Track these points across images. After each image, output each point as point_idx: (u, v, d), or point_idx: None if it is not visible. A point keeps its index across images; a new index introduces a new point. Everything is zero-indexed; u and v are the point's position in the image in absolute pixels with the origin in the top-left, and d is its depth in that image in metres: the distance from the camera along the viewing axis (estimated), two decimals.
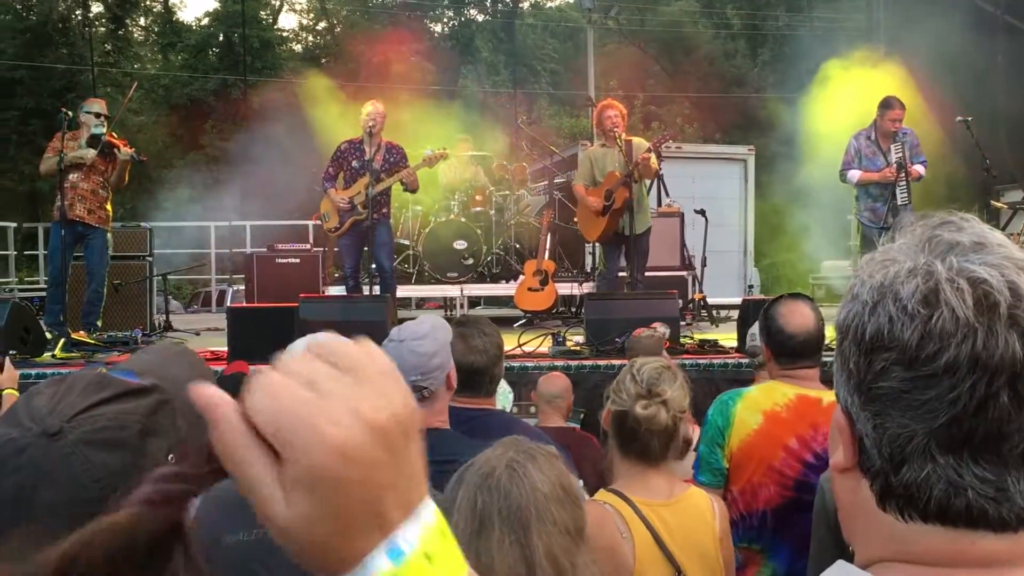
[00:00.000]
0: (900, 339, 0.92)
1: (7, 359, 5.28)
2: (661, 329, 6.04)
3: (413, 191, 9.87)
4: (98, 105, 9.33)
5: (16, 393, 5.22)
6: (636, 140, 9.47)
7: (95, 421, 1.20)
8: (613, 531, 2.83)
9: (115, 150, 8.98)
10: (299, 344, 2.64)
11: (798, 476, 3.39)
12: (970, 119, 9.51)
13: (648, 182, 10.21)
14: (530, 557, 1.87)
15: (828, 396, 3.49)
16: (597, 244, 9.96)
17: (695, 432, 3.65)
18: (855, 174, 9.32)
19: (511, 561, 1.87)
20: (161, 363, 1.42)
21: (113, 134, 9.30)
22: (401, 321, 3.35)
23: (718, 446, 3.52)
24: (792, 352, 3.57)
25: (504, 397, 4.01)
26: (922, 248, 0.95)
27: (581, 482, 2.16)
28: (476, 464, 2.02)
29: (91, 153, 8.85)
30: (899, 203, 9.02)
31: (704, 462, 3.54)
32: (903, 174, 9.06)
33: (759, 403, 3.50)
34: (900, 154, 9.08)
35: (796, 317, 3.55)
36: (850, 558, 1.03)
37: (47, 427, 1.19)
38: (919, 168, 9.21)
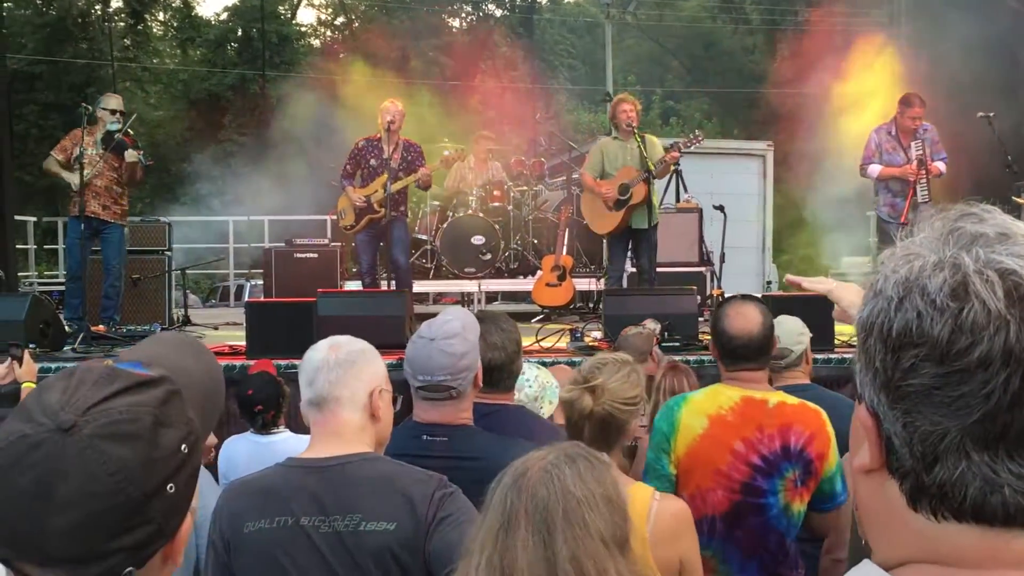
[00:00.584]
0: (930, 334, 0.89)
1: (27, 352, 5.30)
2: (651, 326, 6.02)
3: (426, 189, 9.93)
4: (115, 101, 9.36)
5: (34, 386, 5.24)
6: (650, 137, 9.50)
7: (108, 415, 1.20)
8: None
9: (124, 151, 8.99)
10: (321, 345, 2.65)
11: (745, 479, 3.37)
12: (992, 115, 9.45)
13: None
14: (552, 559, 1.85)
15: (774, 397, 3.49)
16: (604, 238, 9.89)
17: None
18: (875, 169, 9.31)
19: (533, 561, 1.85)
20: (167, 353, 1.43)
21: (129, 132, 9.32)
22: (418, 317, 3.35)
23: (664, 452, 3.48)
24: (734, 354, 3.53)
25: (551, 391, 3.99)
26: (945, 241, 0.93)
27: None
28: (514, 464, 2.01)
29: (75, 179, 8.81)
30: (919, 200, 8.99)
31: (651, 468, 3.50)
32: (923, 171, 9.03)
33: (704, 407, 3.47)
34: (920, 151, 9.05)
35: (739, 320, 3.52)
36: None
37: (61, 422, 1.19)
38: (939, 165, 9.19)
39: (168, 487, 1.23)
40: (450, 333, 3.01)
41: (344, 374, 2.62)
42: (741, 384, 3.48)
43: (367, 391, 2.64)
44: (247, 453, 4.57)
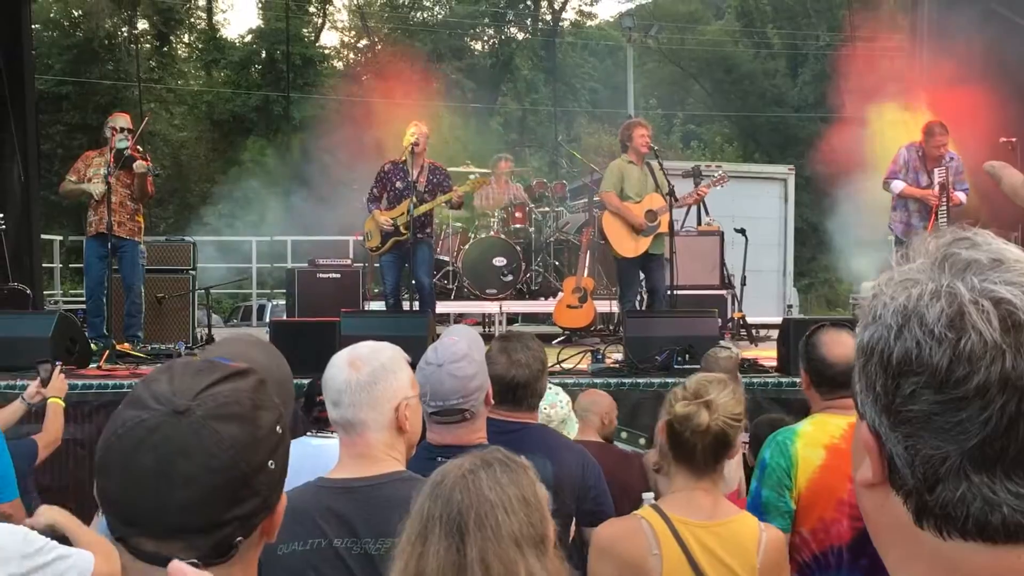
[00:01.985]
0: (929, 363, 0.92)
1: (57, 368, 5.35)
2: (734, 348, 6.01)
3: (457, 208, 9.99)
4: (123, 119, 9.47)
5: (61, 402, 5.29)
6: (655, 163, 9.52)
7: (216, 398, 1.35)
8: (642, 545, 2.82)
9: (132, 164, 9.08)
10: (341, 355, 2.67)
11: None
12: (1014, 140, 9.44)
13: None
14: (462, 563, 1.89)
15: None
16: (617, 262, 9.82)
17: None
18: (899, 185, 9.32)
19: (444, 566, 1.89)
20: (244, 350, 1.59)
21: (138, 148, 9.42)
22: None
23: (786, 488, 3.42)
24: (834, 381, 3.51)
25: (571, 423, 4.03)
26: (940, 267, 0.96)
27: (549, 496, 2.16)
28: (433, 473, 2.06)
29: (99, 188, 8.97)
30: (941, 226, 9.00)
31: (772, 507, 3.45)
32: (944, 198, 9.05)
33: (818, 438, 3.43)
34: (943, 177, 9.07)
35: (838, 347, 3.50)
36: None
37: (175, 406, 1.33)
38: (960, 195, 9.20)
39: (269, 463, 1.38)
40: (458, 356, 3.01)
41: (368, 396, 2.59)
42: (843, 411, 3.43)
43: (392, 408, 2.62)
44: (300, 455, 4.47)
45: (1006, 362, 0.89)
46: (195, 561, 1.31)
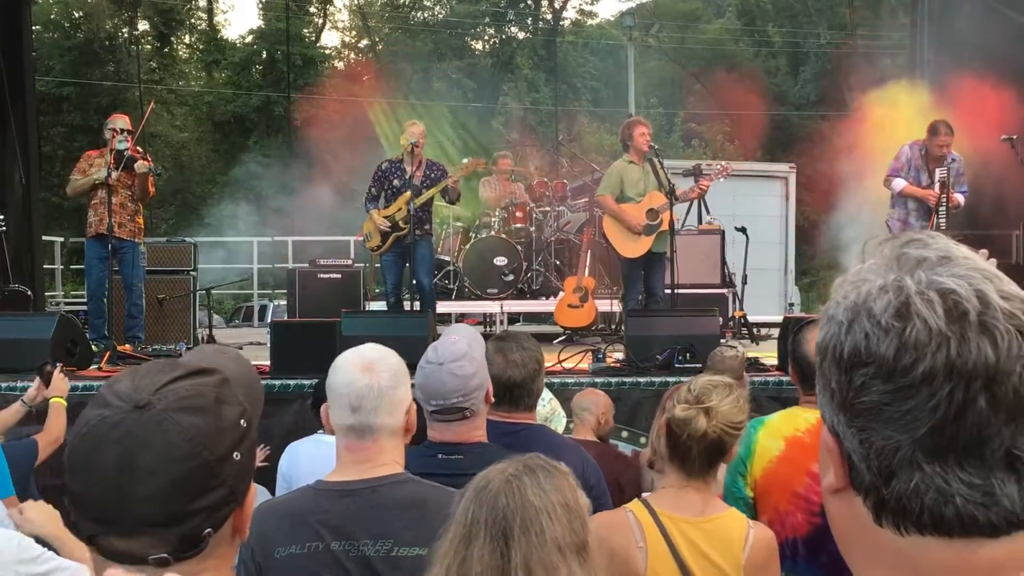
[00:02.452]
0: (877, 353, 0.94)
1: (57, 369, 5.37)
2: (741, 349, 6.00)
3: (454, 201, 9.94)
4: (121, 120, 9.47)
5: (64, 401, 5.31)
6: (656, 161, 9.51)
7: (177, 392, 1.37)
8: (627, 538, 2.83)
9: (134, 164, 9.09)
10: (350, 360, 2.66)
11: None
12: (1015, 137, 9.44)
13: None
14: (505, 567, 1.90)
15: None
16: (621, 261, 9.82)
17: None
18: (900, 183, 9.34)
19: (487, 571, 1.90)
20: (210, 357, 1.59)
21: (138, 148, 9.42)
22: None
23: (740, 475, 3.45)
24: (813, 377, 3.49)
25: (558, 420, 4.03)
26: (891, 266, 0.98)
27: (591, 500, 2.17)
28: (477, 476, 2.06)
29: (102, 174, 9.00)
30: (941, 226, 9.04)
31: (728, 492, 3.47)
32: (944, 197, 9.07)
33: (780, 429, 3.44)
34: (944, 176, 9.08)
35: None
36: None
37: (136, 401, 1.35)
38: (959, 197, 9.22)
39: (235, 454, 1.39)
40: (458, 355, 3.00)
41: (388, 402, 2.57)
42: (816, 407, 3.42)
43: (404, 412, 2.63)
44: (313, 453, 4.49)
45: (951, 349, 0.91)
46: (165, 556, 1.33)
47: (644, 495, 3.05)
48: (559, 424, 4.02)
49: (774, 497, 3.38)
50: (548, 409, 4.05)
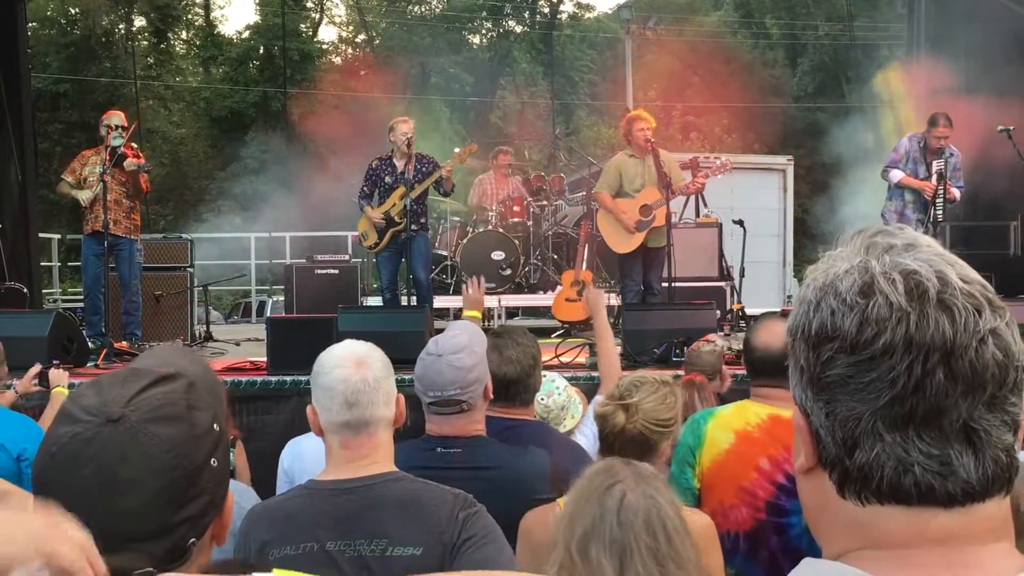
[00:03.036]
0: (842, 328, 0.99)
1: (53, 366, 5.37)
2: (720, 342, 5.99)
3: (448, 192, 9.90)
4: (117, 117, 9.44)
5: (66, 391, 5.31)
6: (664, 153, 9.45)
7: (149, 402, 1.34)
8: (551, 530, 2.84)
9: (123, 161, 9.07)
10: (339, 356, 2.63)
11: (770, 498, 3.29)
12: (1012, 128, 9.43)
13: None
14: None
15: None
16: (619, 255, 9.81)
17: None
18: (897, 174, 9.37)
19: None
20: (166, 359, 1.56)
21: (132, 145, 9.40)
22: (438, 332, 3.36)
23: (688, 465, 3.42)
24: (755, 368, 3.50)
25: (574, 407, 4.00)
26: (860, 252, 1.03)
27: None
28: (599, 476, 2.09)
29: (87, 195, 8.99)
30: (938, 218, 9.07)
31: (674, 481, 3.45)
32: (941, 189, 9.08)
33: (731, 422, 3.39)
34: (940, 169, 9.09)
35: (764, 333, 3.48)
36: None
37: (108, 415, 1.31)
38: (955, 191, 9.23)
39: (212, 460, 1.37)
40: (457, 347, 3.00)
41: (383, 394, 2.57)
42: (767, 401, 3.40)
43: (395, 402, 2.62)
44: (318, 448, 4.46)
45: (910, 323, 0.96)
46: (151, 570, 1.30)
47: None
48: (576, 411, 4.00)
49: (719, 490, 3.35)
50: (564, 397, 4.03)
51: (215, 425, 1.40)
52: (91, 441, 1.30)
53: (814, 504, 1.07)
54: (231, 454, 5.18)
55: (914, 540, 0.98)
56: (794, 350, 1.06)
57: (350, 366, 2.57)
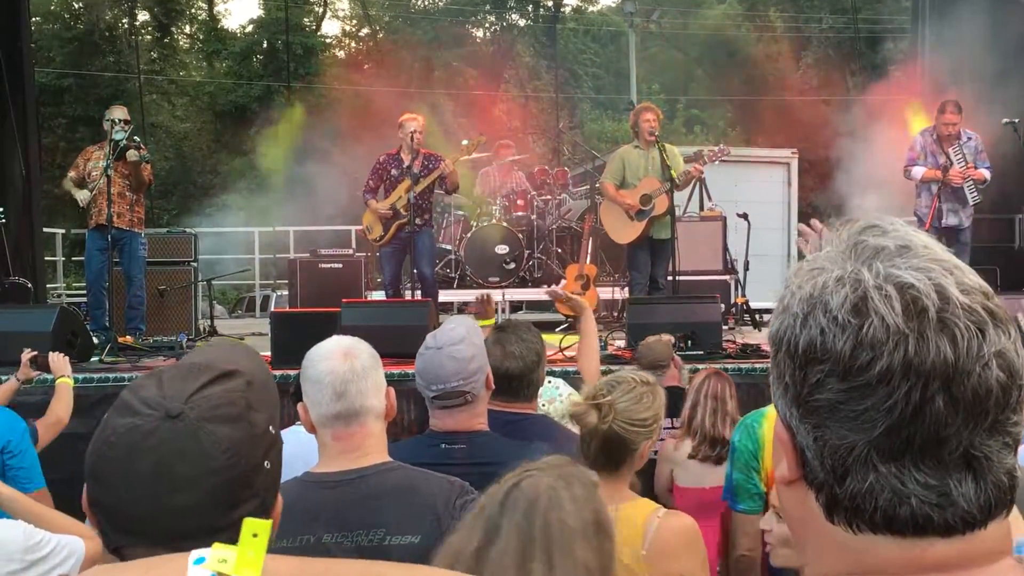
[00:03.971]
0: (833, 350, 0.91)
1: (52, 354, 5.39)
2: (666, 337, 6.01)
3: (452, 191, 9.92)
4: (119, 111, 9.46)
5: (71, 382, 5.31)
6: (670, 147, 9.52)
7: (209, 400, 1.34)
8: None
9: (125, 152, 9.08)
10: (327, 350, 2.63)
11: None
12: (1016, 120, 9.42)
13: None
14: None
15: None
16: (626, 248, 9.86)
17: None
18: (919, 171, 9.38)
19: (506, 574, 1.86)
20: (224, 354, 1.56)
21: (135, 138, 9.41)
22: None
23: (754, 471, 3.42)
24: None
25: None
26: (848, 255, 0.95)
27: None
28: (509, 481, 2.02)
29: (84, 195, 9.01)
30: (971, 202, 9.10)
31: (742, 489, 3.43)
32: (967, 175, 9.09)
33: None
34: (960, 155, 9.09)
35: None
36: None
37: (168, 410, 1.31)
38: (984, 171, 9.22)
39: (266, 463, 1.37)
40: (456, 339, 3.00)
41: (371, 384, 2.58)
42: None
43: (384, 394, 2.63)
44: (291, 442, 4.45)
45: (908, 348, 0.89)
46: None
47: None
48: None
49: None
50: (566, 405, 4.00)
51: (271, 427, 1.41)
52: (150, 434, 1.30)
53: (797, 515, 1.01)
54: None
55: (910, 568, 0.92)
56: (777, 362, 0.98)
57: (337, 358, 2.58)
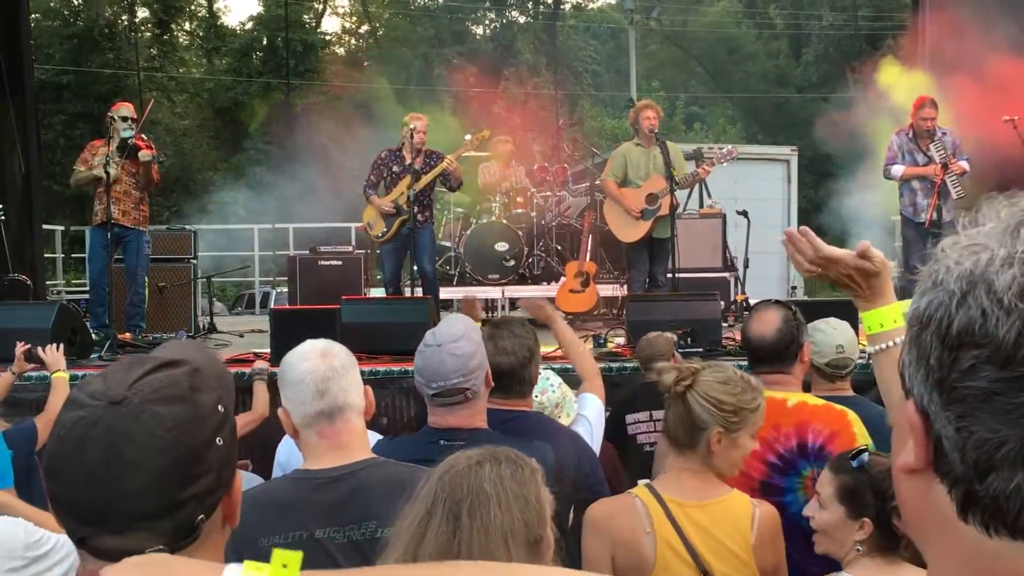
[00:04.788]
0: (994, 336, 0.82)
1: (50, 347, 5.40)
2: (668, 334, 6.03)
3: (455, 187, 9.94)
4: (126, 109, 9.44)
5: (66, 375, 5.33)
6: (671, 144, 9.54)
7: (151, 384, 1.36)
8: (635, 525, 2.82)
9: (137, 152, 9.08)
10: (304, 353, 2.65)
11: (763, 478, 3.34)
12: (1016, 118, 9.42)
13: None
14: (455, 551, 1.89)
15: (795, 398, 3.47)
16: (626, 246, 9.87)
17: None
18: (899, 169, 9.42)
19: (438, 552, 1.89)
20: (176, 350, 1.66)
21: (142, 136, 9.40)
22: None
23: None
24: (752, 355, 3.62)
25: (569, 405, 3.99)
26: (1013, 233, 0.85)
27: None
28: (444, 460, 2.07)
29: (100, 171, 9.01)
30: (955, 196, 9.08)
31: None
32: (949, 170, 9.09)
33: None
34: (942, 151, 9.11)
35: (757, 323, 3.59)
36: None
37: (111, 397, 1.34)
38: (963, 164, 9.24)
39: (217, 440, 1.39)
40: (455, 336, 3.00)
41: (351, 381, 2.63)
42: (765, 387, 3.37)
43: (362, 392, 2.68)
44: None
45: None
46: (162, 549, 1.32)
47: (648, 481, 3.02)
48: (571, 409, 3.99)
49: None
50: (558, 394, 4.01)
51: (219, 407, 1.42)
52: (96, 423, 1.32)
53: (916, 507, 0.92)
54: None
55: None
56: (920, 342, 0.88)
57: (315, 358, 2.62)
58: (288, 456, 4.33)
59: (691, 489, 2.88)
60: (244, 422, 5.10)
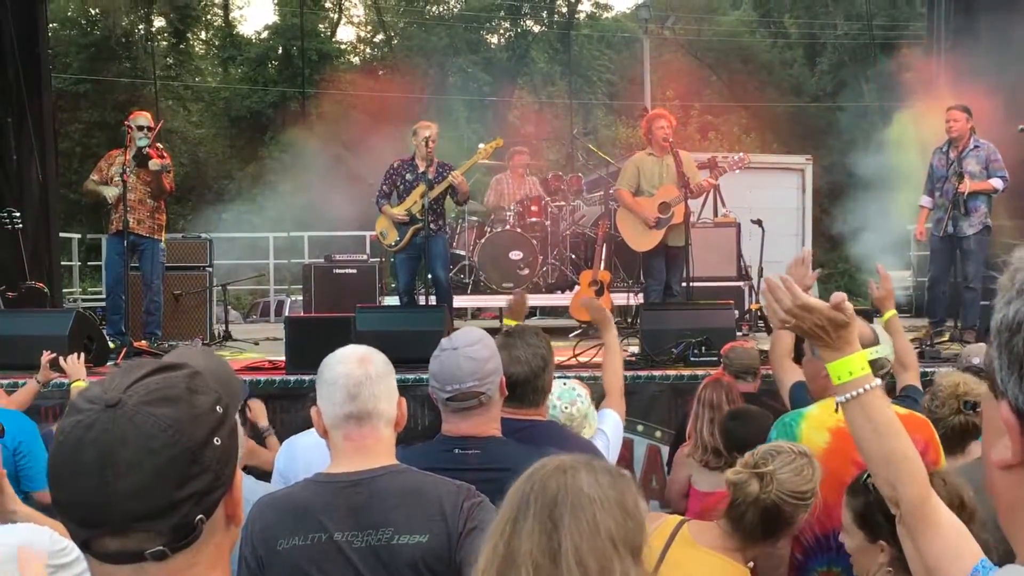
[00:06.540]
0: None
1: (72, 357, 5.42)
2: (749, 344, 6.01)
3: (463, 201, 9.96)
4: (143, 118, 9.49)
5: (85, 384, 5.36)
6: (683, 153, 9.51)
7: (147, 387, 1.37)
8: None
9: (148, 162, 9.12)
10: (343, 356, 2.67)
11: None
12: None
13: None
14: (556, 549, 1.85)
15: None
16: (642, 255, 9.86)
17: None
18: (927, 200, 9.50)
19: (536, 550, 1.86)
20: (180, 356, 1.59)
21: (158, 145, 9.44)
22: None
23: None
24: None
25: (594, 418, 3.98)
26: None
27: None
28: (533, 465, 2.03)
29: (112, 192, 9.04)
30: (964, 213, 8.98)
31: None
32: (955, 186, 9.01)
33: (823, 420, 3.34)
34: (958, 170, 9.03)
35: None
36: None
37: (107, 401, 1.34)
38: (994, 181, 9.10)
39: (215, 439, 1.38)
40: (472, 340, 3.02)
41: (384, 388, 2.66)
42: None
43: (396, 403, 2.71)
44: (311, 448, 4.47)
45: None
46: (162, 549, 1.33)
47: (686, 519, 3.03)
48: (595, 422, 3.96)
49: (822, 490, 3.22)
50: (586, 405, 3.97)
51: (218, 407, 1.42)
52: (91, 426, 1.33)
53: (1010, 499, 0.94)
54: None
55: None
56: (1012, 347, 0.90)
57: (353, 362, 2.68)
58: (287, 464, 4.33)
59: (711, 540, 2.91)
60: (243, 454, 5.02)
